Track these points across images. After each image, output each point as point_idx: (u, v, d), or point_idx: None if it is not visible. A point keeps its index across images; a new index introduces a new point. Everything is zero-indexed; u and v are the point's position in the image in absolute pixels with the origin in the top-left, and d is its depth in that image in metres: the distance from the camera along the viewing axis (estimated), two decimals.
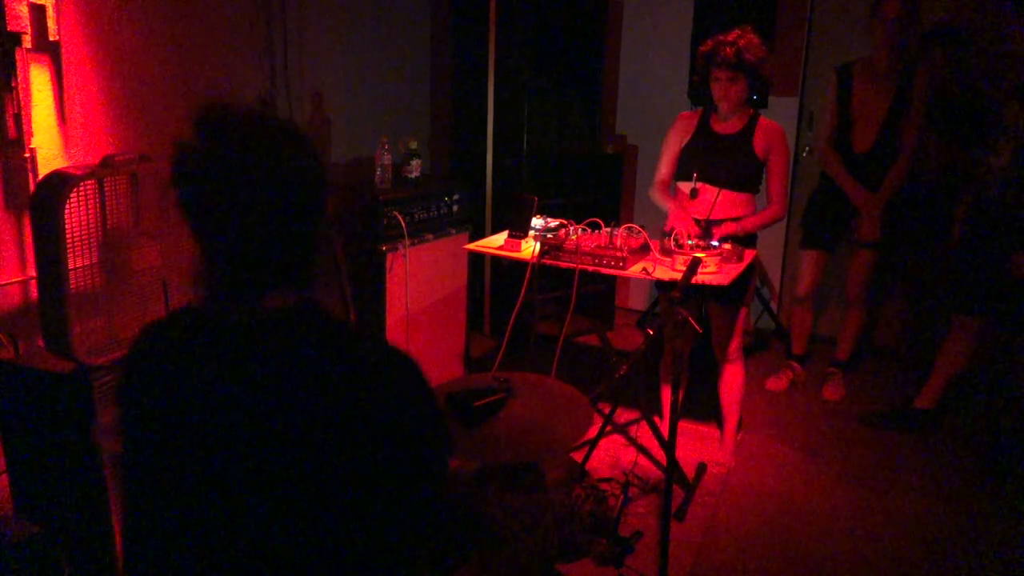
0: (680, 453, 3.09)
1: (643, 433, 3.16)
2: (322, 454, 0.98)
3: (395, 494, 1.02)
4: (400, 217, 3.20)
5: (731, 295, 2.88)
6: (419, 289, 3.37)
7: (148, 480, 1.08)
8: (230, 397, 1.00)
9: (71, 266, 2.05)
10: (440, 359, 3.58)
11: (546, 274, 2.85)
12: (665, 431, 2.90)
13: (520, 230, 2.89)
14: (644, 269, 2.68)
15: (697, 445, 3.29)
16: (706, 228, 2.86)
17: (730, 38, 2.76)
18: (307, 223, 1.06)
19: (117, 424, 1.11)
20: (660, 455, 3.07)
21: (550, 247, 2.77)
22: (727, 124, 2.94)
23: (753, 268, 2.92)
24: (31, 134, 2.28)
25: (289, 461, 0.98)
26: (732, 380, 3.12)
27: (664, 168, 3.09)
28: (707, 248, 2.66)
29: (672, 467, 2.25)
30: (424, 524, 1.07)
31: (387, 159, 3.26)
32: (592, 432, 2.86)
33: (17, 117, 2.22)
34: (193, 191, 1.03)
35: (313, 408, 0.98)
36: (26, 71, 2.23)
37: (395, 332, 3.29)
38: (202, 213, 1.03)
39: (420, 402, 1.07)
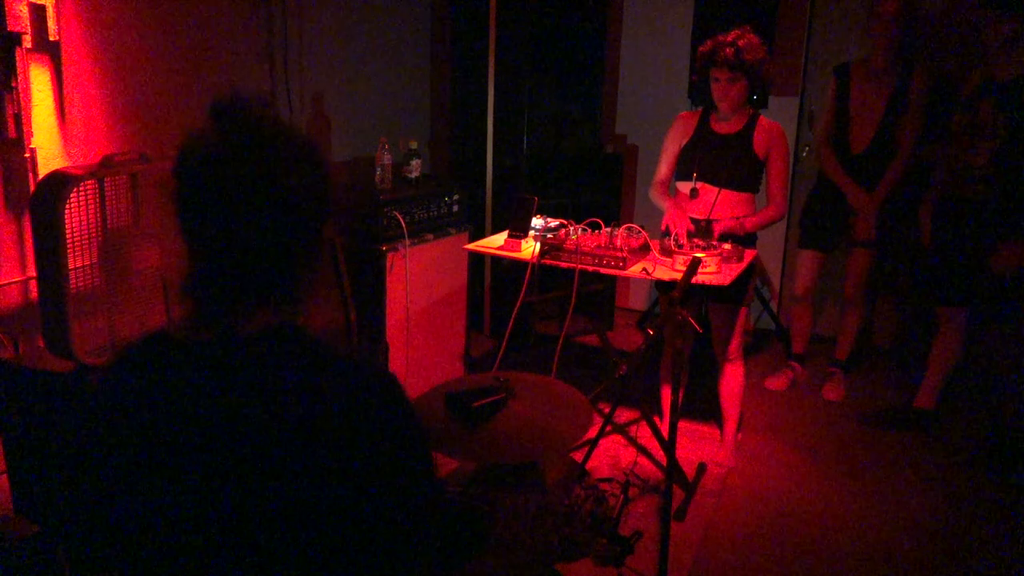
0: (680, 453, 3.09)
1: (643, 433, 3.16)
2: (299, 483, 0.95)
3: (379, 522, 1.00)
4: (400, 217, 3.20)
5: (731, 295, 2.88)
6: (419, 289, 3.37)
7: (112, 507, 1.04)
8: (203, 424, 0.97)
9: (71, 266, 2.05)
10: (440, 359, 3.58)
11: (546, 274, 2.85)
12: (665, 431, 2.90)
13: (520, 230, 2.89)
14: (644, 269, 2.68)
15: (697, 445, 3.29)
16: (706, 228, 2.86)
17: (730, 38, 2.76)
18: (302, 245, 1.03)
19: (84, 448, 1.07)
20: (660, 455, 3.07)
21: (550, 247, 2.77)
22: (727, 124, 2.94)
23: (753, 268, 2.92)
24: (31, 134, 2.28)
25: (266, 488, 0.96)
26: (732, 380, 3.12)
27: (664, 168, 3.09)
28: (707, 248, 2.66)
29: (672, 467, 2.25)
30: (413, 550, 1.04)
31: (387, 159, 3.26)
32: (592, 432, 2.86)
33: (17, 117, 2.23)
34: (197, 185, 0.98)
35: (289, 437, 0.95)
36: (26, 71, 2.23)
37: (395, 332, 3.29)
38: (201, 211, 0.99)
39: (399, 428, 1.03)
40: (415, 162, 3.43)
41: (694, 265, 2.26)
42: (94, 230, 2.10)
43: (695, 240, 2.74)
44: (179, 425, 0.99)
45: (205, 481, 0.97)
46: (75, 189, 2.04)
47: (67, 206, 2.02)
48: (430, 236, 3.39)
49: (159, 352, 1.05)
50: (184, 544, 1.00)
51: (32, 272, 2.27)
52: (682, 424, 3.31)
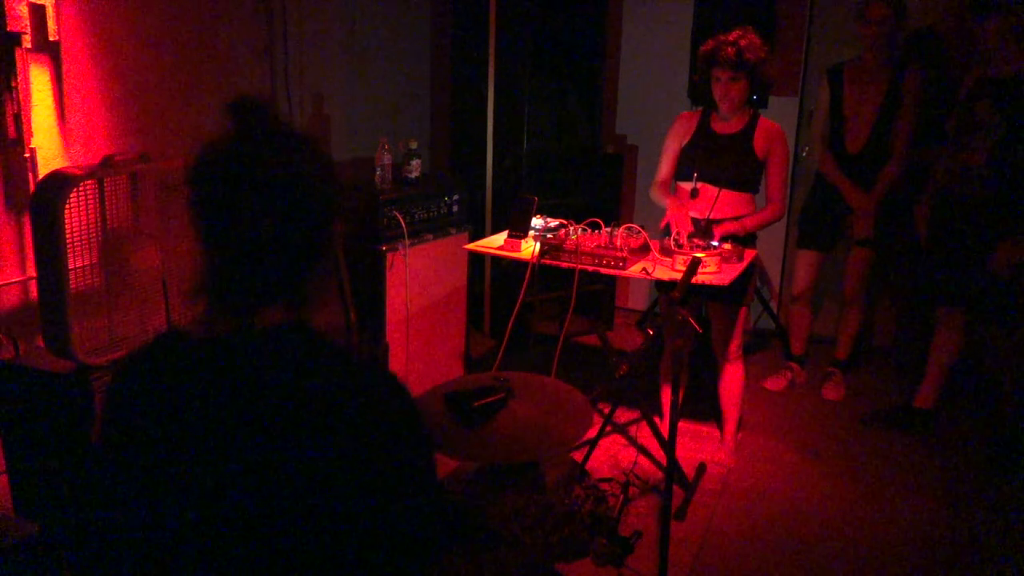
0: (680, 453, 3.09)
1: (643, 433, 3.16)
2: (306, 478, 0.96)
3: (383, 517, 1.00)
4: (400, 217, 3.20)
5: (731, 295, 2.88)
6: (419, 289, 3.37)
7: (127, 505, 1.05)
8: (216, 418, 0.98)
9: (71, 266, 2.05)
10: (440, 359, 3.58)
11: (546, 274, 2.85)
12: (665, 431, 2.90)
13: (520, 230, 2.89)
14: (644, 269, 2.68)
15: (697, 445, 3.29)
16: (706, 228, 2.86)
17: (731, 38, 2.77)
18: (315, 242, 1.05)
19: (99, 443, 1.08)
20: (660, 455, 3.07)
21: (550, 247, 2.77)
22: (727, 124, 2.94)
23: (753, 268, 2.92)
24: (31, 134, 2.28)
25: (275, 484, 0.97)
26: (732, 380, 3.12)
27: (664, 168, 3.09)
28: (707, 248, 2.66)
29: (672, 467, 2.25)
30: (418, 546, 1.05)
31: (387, 159, 3.26)
32: (592, 432, 2.86)
33: (17, 117, 2.23)
34: (214, 189, 1.00)
35: (298, 432, 0.97)
36: (26, 71, 2.23)
37: (395, 332, 3.29)
38: (219, 214, 1.01)
39: (406, 427, 1.04)
40: (415, 162, 3.43)
41: (694, 265, 2.26)
42: (94, 230, 2.10)
43: (695, 240, 2.74)
44: (192, 420, 1.00)
45: (216, 477, 0.98)
46: (75, 189, 2.04)
47: (67, 206, 2.02)
48: (430, 236, 3.39)
49: (173, 349, 1.06)
50: (192, 541, 1.00)
51: (32, 272, 2.27)
52: (682, 424, 3.32)
